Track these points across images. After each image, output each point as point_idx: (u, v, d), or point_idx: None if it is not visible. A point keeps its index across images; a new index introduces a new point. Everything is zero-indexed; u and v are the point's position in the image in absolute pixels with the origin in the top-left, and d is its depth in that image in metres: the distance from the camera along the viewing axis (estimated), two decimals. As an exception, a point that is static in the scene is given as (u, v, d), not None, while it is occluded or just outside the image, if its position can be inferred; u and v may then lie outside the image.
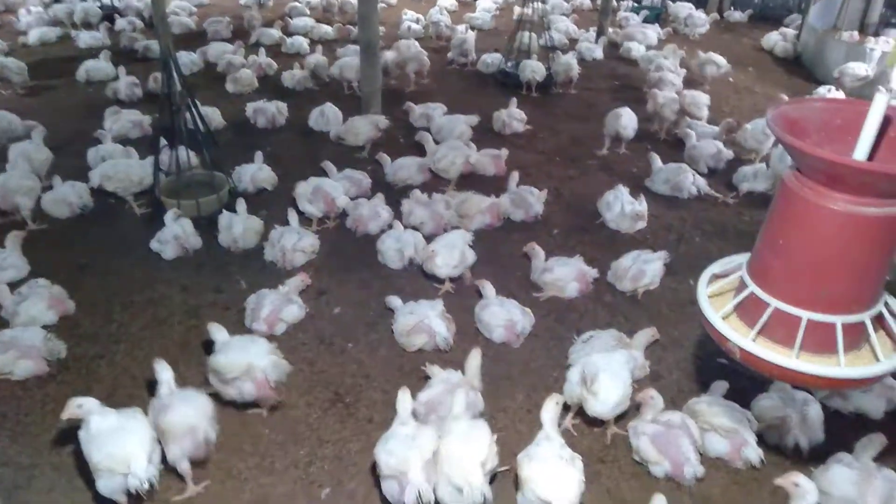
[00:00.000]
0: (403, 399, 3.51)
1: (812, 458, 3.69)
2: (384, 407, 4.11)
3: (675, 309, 5.06)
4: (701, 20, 13.12)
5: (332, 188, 5.94)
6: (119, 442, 3.26)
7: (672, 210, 6.41)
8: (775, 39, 12.04)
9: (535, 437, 3.40)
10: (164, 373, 3.69)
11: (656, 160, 6.83)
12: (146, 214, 6.13)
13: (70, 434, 3.69)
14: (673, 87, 8.82)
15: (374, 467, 3.69)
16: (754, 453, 3.63)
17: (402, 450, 3.25)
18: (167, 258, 5.45)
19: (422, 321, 4.44)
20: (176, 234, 5.43)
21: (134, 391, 4.18)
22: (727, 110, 8.85)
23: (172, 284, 5.17)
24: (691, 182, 6.55)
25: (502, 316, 4.59)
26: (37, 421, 3.99)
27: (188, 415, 3.50)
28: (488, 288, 4.81)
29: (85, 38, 10.92)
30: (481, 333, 4.70)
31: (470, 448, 3.27)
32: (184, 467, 3.50)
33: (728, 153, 7.08)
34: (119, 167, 6.18)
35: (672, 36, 12.43)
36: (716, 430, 3.72)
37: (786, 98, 8.01)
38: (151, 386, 3.81)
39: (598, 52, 10.99)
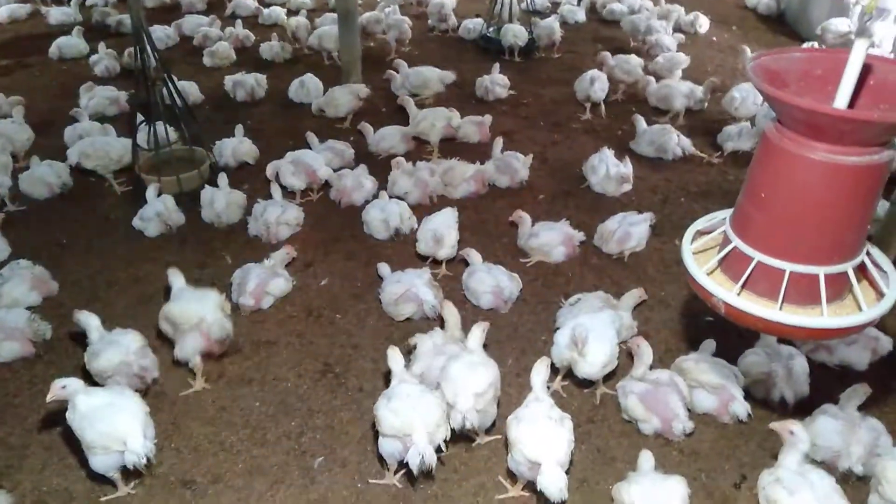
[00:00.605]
0: (394, 357, 3.55)
1: (798, 411, 3.74)
2: (374, 376, 4.13)
3: (661, 270, 5.08)
4: (684, -21, 12.94)
5: (313, 160, 5.87)
6: (112, 419, 3.26)
7: (657, 172, 6.40)
8: (759, -3, 11.91)
9: (524, 400, 3.43)
10: (91, 320, 3.94)
11: (641, 122, 6.79)
12: (127, 192, 6.05)
13: (60, 414, 3.66)
14: (669, 50, 8.75)
15: (365, 436, 3.73)
16: (742, 408, 3.68)
17: (407, 411, 3.25)
18: (150, 235, 5.39)
19: (409, 290, 4.43)
20: (158, 211, 5.36)
21: (122, 369, 4.17)
22: (710, 69, 8.79)
23: (157, 262, 5.11)
24: (676, 143, 6.52)
25: (489, 282, 4.59)
26: (25, 402, 3.98)
27: (117, 354, 3.79)
28: (474, 255, 4.80)
29: (56, 15, 10.60)
30: (469, 300, 4.70)
31: (471, 376, 3.41)
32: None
33: (699, 90, 7.29)
34: (97, 145, 6.08)
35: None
36: (703, 386, 3.77)
37: (748, 49, 8.04)
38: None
39: (581, 15, 10.83)
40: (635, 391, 3.72)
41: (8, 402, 3.98)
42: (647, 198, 6.00)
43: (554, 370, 3.91)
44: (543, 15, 10.22)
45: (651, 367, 3.88)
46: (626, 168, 5.96)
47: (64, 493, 3.46)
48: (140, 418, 3.32)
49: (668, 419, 3.63)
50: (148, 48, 5.45)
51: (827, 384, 3.92)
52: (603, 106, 7.48)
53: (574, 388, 4.06)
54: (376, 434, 3.65)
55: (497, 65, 8.11)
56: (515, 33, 8.96)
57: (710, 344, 4.03)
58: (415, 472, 3.22)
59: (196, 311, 4.05)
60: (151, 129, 5.73)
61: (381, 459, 3.51)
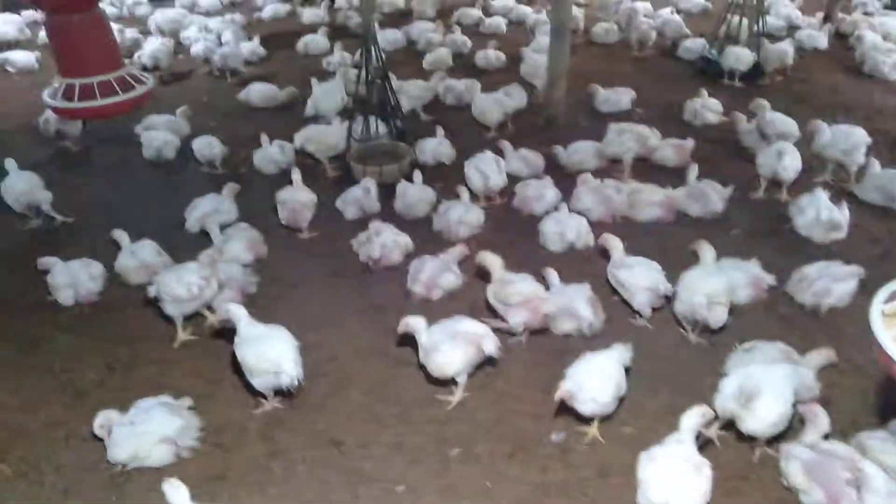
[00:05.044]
0: (416, 323, 4.09)
1: None
2: (522, 383, 4.19)
3: (863, 331, 4.34)
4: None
5: (491, 169, 5.97)
6: (269, 345, 3.91)
7: (881, 221, 5.64)
8: None
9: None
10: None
11: (874, 163, 6.01)
12: (337, 176, 6.73)
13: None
14: None
15: (502, 438, 3.81)
16: (931, 504, 3.15)
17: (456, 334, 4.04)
18: (348, 218, 5.95)
19: (569, 305, 4.40)
20: (356, 197, 5.91)
21: (303, 331, 4.61)
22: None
23: (347, 240, 5.60)
24: (910, 192, 5.69)
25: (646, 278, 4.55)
26: (226, 344, 4.60)
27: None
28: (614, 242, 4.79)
29: (308, 15, 12.12)
30: (632, 321, 4.56)
31: (701, 280, 4.33)
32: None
33: None
34: (318, 131, 6.84)
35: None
36: (886, 470, 3.28)
37: None
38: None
39: (822, 41, 9.80)
40: (801, 457, 3.35)
41: (213, 340, 4.67)
42: (862, 249, 5.31)
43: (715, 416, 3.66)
44: (776, 39, 9.46)
45: (827, 438, 3.47)
46: (841, 214, 5.31)
47: (240, 428, 3.99)
48: (292, 348, 3.92)
49: (836, 497, 3.22)
50: (372, 49, 6.03)
51: None
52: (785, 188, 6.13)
53: (732, 440, 3.77)
54: (515, 437, 3.74)
55: (704, 90, 7.68)
56: (738, 56, 8.42)
57: (904, 423, 3.49)
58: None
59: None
60: (364, 122, 6.33)
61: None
